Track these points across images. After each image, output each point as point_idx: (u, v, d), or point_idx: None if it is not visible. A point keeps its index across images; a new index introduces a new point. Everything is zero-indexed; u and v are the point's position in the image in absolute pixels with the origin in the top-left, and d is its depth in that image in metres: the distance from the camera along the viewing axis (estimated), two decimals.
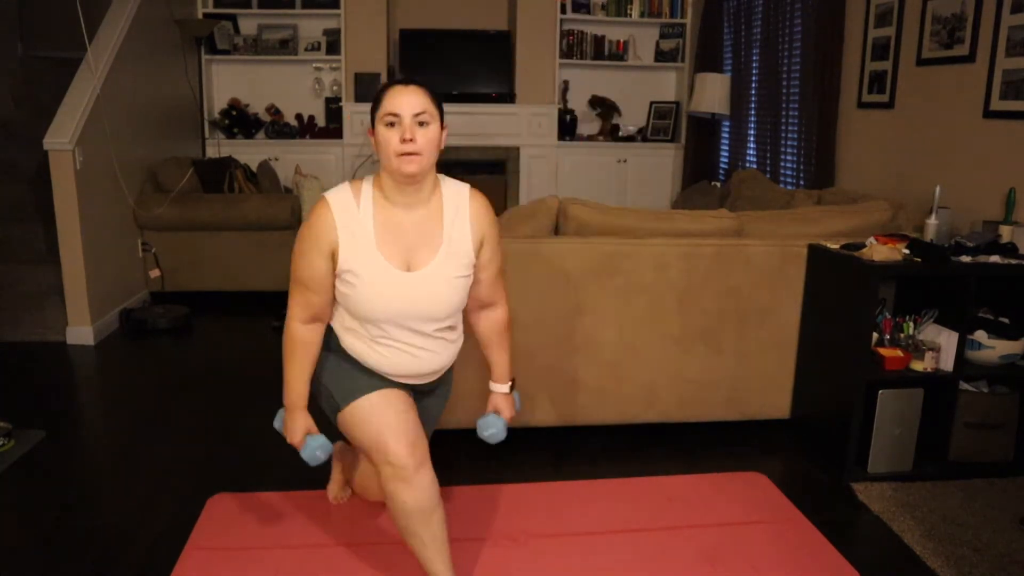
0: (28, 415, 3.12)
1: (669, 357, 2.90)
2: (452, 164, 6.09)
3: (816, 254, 2.84)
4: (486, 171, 6.09)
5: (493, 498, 2.52)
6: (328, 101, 6.16)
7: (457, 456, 2.83)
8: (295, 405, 1.94)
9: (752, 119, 5.27)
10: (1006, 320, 2.77)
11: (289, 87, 6.18)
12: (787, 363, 2.98)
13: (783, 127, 4.74)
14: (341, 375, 1.96)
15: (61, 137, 3.85)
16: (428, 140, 1.78)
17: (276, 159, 5.89)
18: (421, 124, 1.77)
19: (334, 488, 2.47)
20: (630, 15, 6.20)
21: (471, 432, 2.93)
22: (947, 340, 2.65)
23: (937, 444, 2.74)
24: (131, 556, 2.18)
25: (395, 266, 1.84)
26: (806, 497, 2.58)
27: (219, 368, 3.71)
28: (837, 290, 2.71)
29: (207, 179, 4.94)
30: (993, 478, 2.69)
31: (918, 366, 2.65)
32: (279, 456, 2.81)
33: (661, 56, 6.36)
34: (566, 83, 6.32)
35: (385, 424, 1.85)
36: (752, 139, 5.28)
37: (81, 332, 4.03)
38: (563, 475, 2.69)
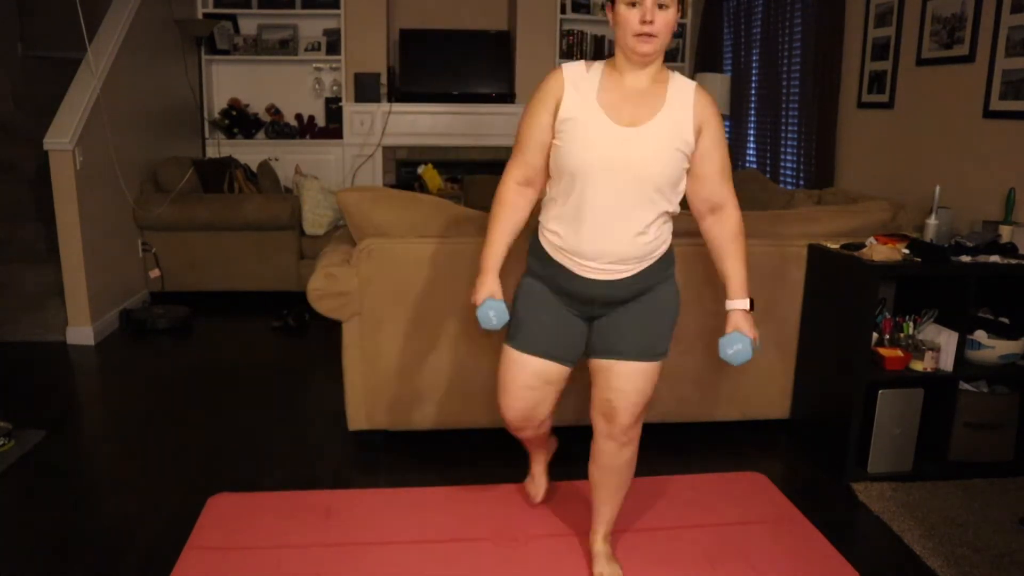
0: (28, 415, 3.12)
1: (669, 357, 2.90)
2: (452, 164, 6.09)
3: (816, 254, 2.84)
4: (486, 171, 6.08)
5: (493, 498, 2.52)
6: (328, 101, 6.16)
7: (458, 456, 2.83)
8: (488, 266, 2.00)
9: (752, 119, 5.26)
10: (1006, 320, 2.77)
11: (289, 87, 6.18)
12: (787, 363, 2.98)
13: (783, 127, 4.74)
14: (519, 311, 2.04)
15: (61, 137, 3.85)
16: (666, 23, 1.79)
17: (276, 159, 5.89)
18: (661, 7, 1.79)
19: (536, 485, 2.48)
20: None
21: (471, 432, 2.93)
22: (947, 340, 2.65)
23: (937, 444, 2.74)
24: (131, 556, 2.18)
25: (612, 119, 1.85)
26: (806, 497, 2.58)
27: (219, 368, 3.71)
28: (837, 290, 2.71)
29: (207, 179, 4.94)
30: (993, 478, 2.69)
31: (918, 366, 2.65)
32: (279, 456, 2.81)
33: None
34: None
35: (512, 386, 2.06)
36: (752, 139, 5.28)
37: (81, 332, 4.03)
38: (563, 475, 2.69)
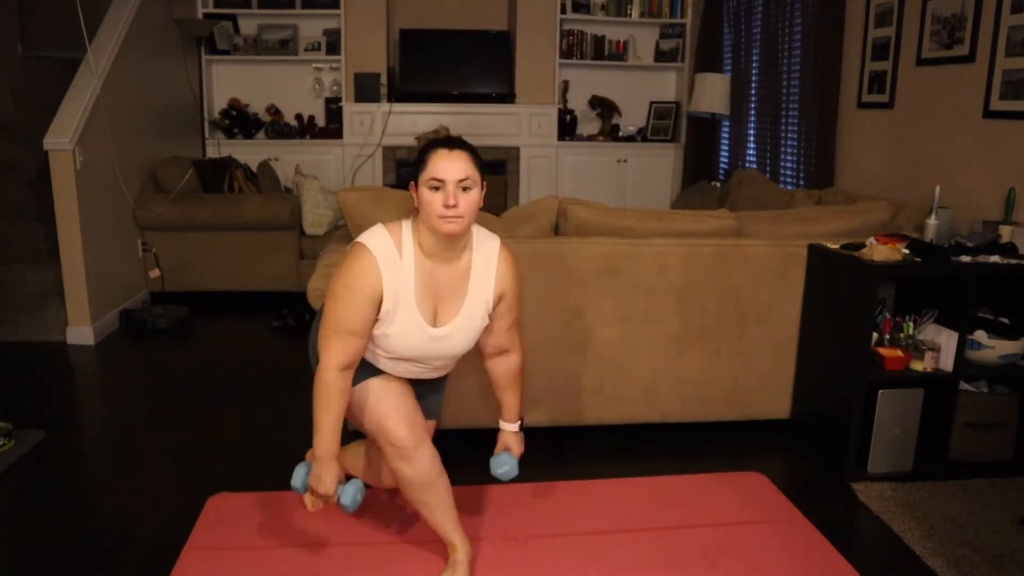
0: (28, 415, 3.12)
1: (669, 357, 2.90)
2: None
3: (816, 254, 2.84)
4: (486, 171, 6.07)
5: (493, 498, 2.52)
6: (328, 101, 6.16)
7: (457, 456, 2.83)
8: (328, 455, 1.91)
9: (752, 119, 5.27)
10: (1006, 320, 2.77)
11: (289, 87, 6.18)
12: (787, 363, 2.98)
13: (783, 127, 4.74)
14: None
15: (61, 137, 3.85)
16: (470, 203, 1.87)
17: (276, 159, 5.89)
18: (464, 189, 1.85)
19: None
20: (630, 15, 6.20)
21: (472, 432, 2.93)
22: (947, 340, 2.65)
23: (937, 444, 2.74)
24: (131, 556, 2.18)
25: (426, 320, 1.96)
26: (806, 497, 2.58)
27: (219, 368, 3.71)
28: (837, 290, 2.71)
29: (207, 179, 4.94)
30: (993, 478, 2.69)
31: (918, 366, 2.65)
32: (279, 456, 2.81)
33: (661, 56, 6.36)
34: (566, 83, 6.32)
35: (385, 408, 1.99)
36: (752, 139, 5.28)
37: (81, 332, 4.03)
38: (563, 475, 2.69)
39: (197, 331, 4.31)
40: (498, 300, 2.04)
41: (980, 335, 2.68)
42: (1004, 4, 3.04)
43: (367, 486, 2.25)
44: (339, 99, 6.07)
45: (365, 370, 2.05)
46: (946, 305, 2.70)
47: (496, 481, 2.48)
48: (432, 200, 1.84)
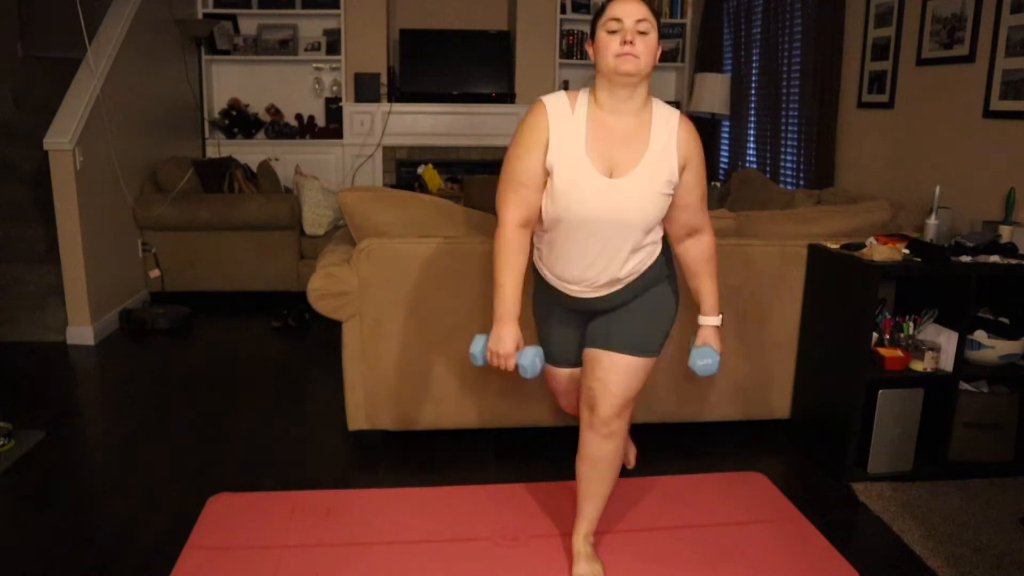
0: (28, 415, 3.12)
1: (669, 357, 2.90)
2: (452, 164, 6.09)
3: (816, 254, 2.84)
4: (486, 171, 6.08)
5: (493, 498, 2.52)
6: (328, 101, 6.16)
7: (457, 456, 2.83)
8: (509, 314, 1.92)
9: (752, 119, 5.26)
10: (1006, 320, 2.77)
11: (289, 87, 6.18)
12: (787, 363, 2.98)
13: (783, 127, 4.74)
14: (540, 329, 2.22)
15: (61, 137, 3.85)
16: (647, 47, 1.81)
17: (276, 159, 5.89)
18: (641, 32, 1.82)
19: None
20: None
21: (472, 432, 2.93)
22: (947, 340, 2.65)
23: (937, 444, 2.74)
24: (131, 556, 2.18)
25: (599, 171, 1.86)
26: (806, 497, 2.58)
27: (219, 368, 3.71)
28: (837, 290, 2.71)
29: (207, 179, 4.94)
30: (993, 478, 2.69)
31: (918, 366, 2.65)
32: (279, 456, 2.81)
33: (661, 56, 6.35)
34: (566, 83, 6.32)
35: (559, 390, 2.31)
36: (752, 139, 5.28)
37: (81, 332, 4.03)
38: (563, 475, 2.69)
39: (197, 331, 4.31)
40: (683, 168, 1.92)
41: (980, 335, 2.68)
42: (1004, 4, 3.04)
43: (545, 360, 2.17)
44: (339, 99, 6.07)
45: (549, 341, 2.19)
46: (946, 305, 2.70)
47: None
48: (609, 42, 1.81)
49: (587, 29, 6.21)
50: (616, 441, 2.03)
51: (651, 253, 2.01)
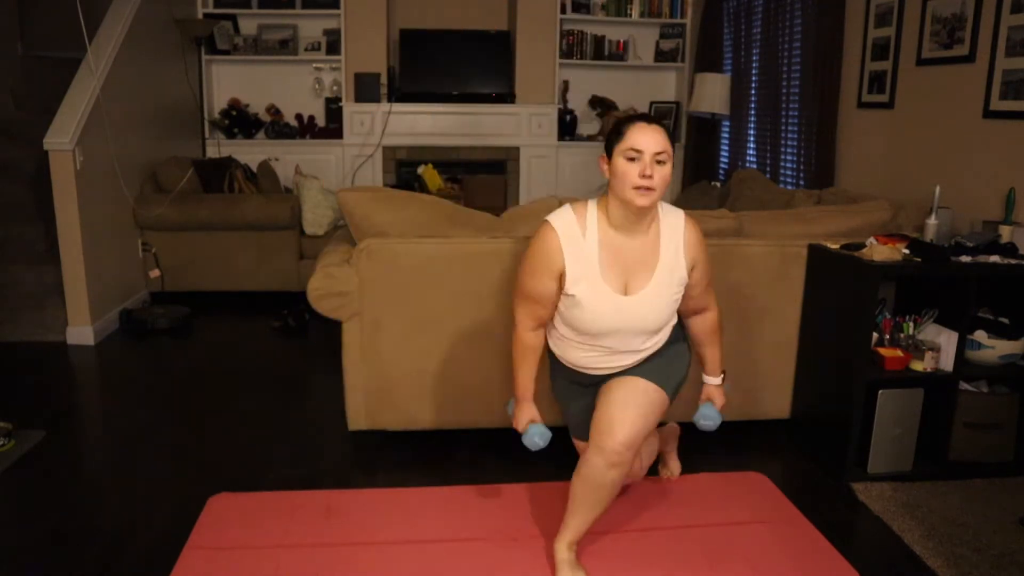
0: (28, 415, 3.12)
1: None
2: (452, 164, 6.09)
3: (816, 254, 2.84)
4: (486, 171, 6.08)
5: (493, 498, 2.52)
6: (328, 101, 6.16)
7: (457, 456, 2.83)
8: (523, 398, 2.17)
9: (752, 119, 5.26)
10: (1006, 320, 2.77)
11: (289, 87, 6.18)
12: (787, 363, 2.98)
13: (783, 127, 4.74)
14: (561, 403, 2.32)
15: (61, 137, 3.85)
16: (663, 177, 1.91)
17: (276, 159, 5.89)
18: (659, 163, 1.90)
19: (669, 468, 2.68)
20: (630, 15, 6.20)
21: (472, 432, 2.93)
22: (947, 340, 2.65)
23: (937, 444, 2.74)
24: (131, 556, 2.18)
25: (615, 290, 2.00)
26: (806, 497, 2.58)
27: (219, 368, 3.71)
28: (837, 290, 2.71)
29: (207, 179, 4.94)
30: (993, 478, 2.68)
31: (918, 366, 2.65)
32: (279, 456, 2.81)
33: (661, 56, 6.36)
34: (566, 83, 6.32)
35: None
36: (752, 139, 5.28)
37: (81, 332, 4.03)
38: (563, 475, 2.69)
39: (197, 331, 4.31)
40: (691, 269, 2.08)
41: (980, 335, 2.68)
42: (1004, 4, 3.04)
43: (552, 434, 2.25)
44: (339, 99, 6.07)
45: (570, 410, 2.27)
46: (946, 305, 2.70)
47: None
48: (628, 170, 1.89)
49: (587, 29, 6.21)
50: (621, 471, 2.02)
51: (668, 331, 2.17)
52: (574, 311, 2.02)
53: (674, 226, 2.05)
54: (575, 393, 2.28)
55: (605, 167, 1.97)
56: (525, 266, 2.05)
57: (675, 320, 2.18)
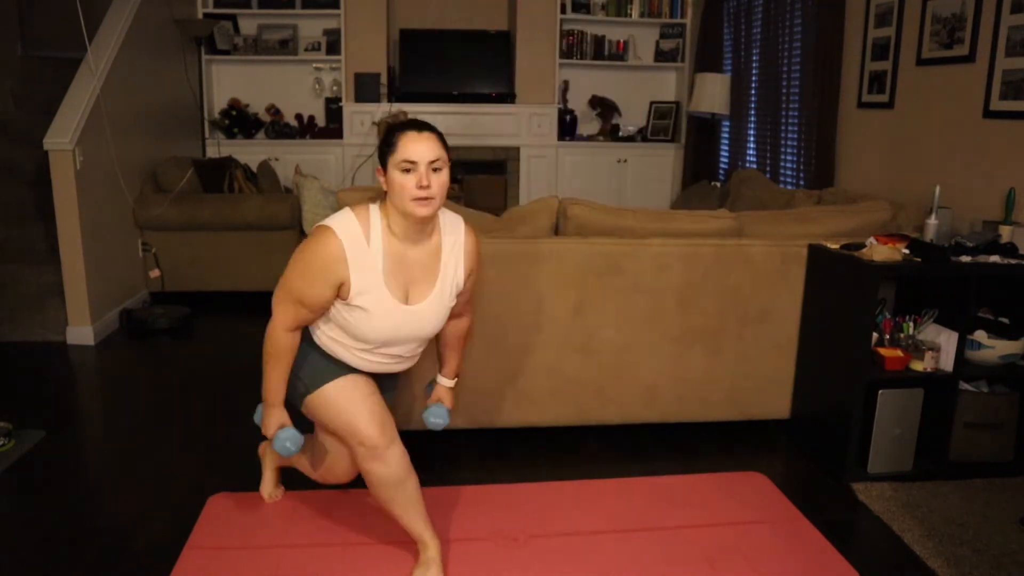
0: (28, 415, 3.12)
1: (669, 357, 2.90)
2: (452, 164, 6.07)
3: (816, 254, 2.84)
4: (486, 171, 6.08)
5: (493, 498, 2.52)
6: (328, 101, 6.16)
7: (457, 456, 2.83)
8: (273, 402, 2.06)
9: (752, 119, 5.27)
10: (1006, 320, 2.77)
11: (289, 87, 6.18)
12: (787, 363, 2.98)
13: (783, 127, 4.74)
14: (311, 363, 2.09)
15: (61, 137, 3.85)
16: (441, 184, 1.89)
17: (276, 159, 5.89)
18: (435, 170, 1.87)
19: (267, 487, 2.48)
20: (630, 15, 6.20)
21: (472, 432, 2.93)
22: (947, 340, 2.65)
23: (937, 444, 2.74)
24: (131, 556, 2.18)
25: (397, 299, 1.97)
26: (806, 497, 2.58)
27: (219, 368, 3.71)
28: (837, 290, 2.71)
29: (207, 179, 4.94)
30: (993, 478, 2.69)
31: (918, 366, 2.65)
32: None
33: (661, 56, 6.36)
34: (566, 83, 6.32)
35: (355, 408, 2.01)
36: (752, 139, 5.28)
37: (81, 332, 4.03)
38: (563, 475, 2.69)
39: (197, 331, 4.31)
40: (467, 277, 2.11)
41: (980, 335, 2.68)
42: (1004, 4, 3.04)
43: (303, 438, 2.18)
44: (339, 99, 6.07)
45: (330, 370, 2.06)
46: (946, 305, 2.70)
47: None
48: (404, 183, 1.85)
49: (587, 29, 6.21)
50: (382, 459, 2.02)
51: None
52: (353, 318, 1.96)
53: (454, 234, 2.05)
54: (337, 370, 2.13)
55: (382, 179, 1.92)
56: (299, 268, 1.93)
57: None
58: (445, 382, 2.34)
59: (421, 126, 1.90)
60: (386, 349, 2.05)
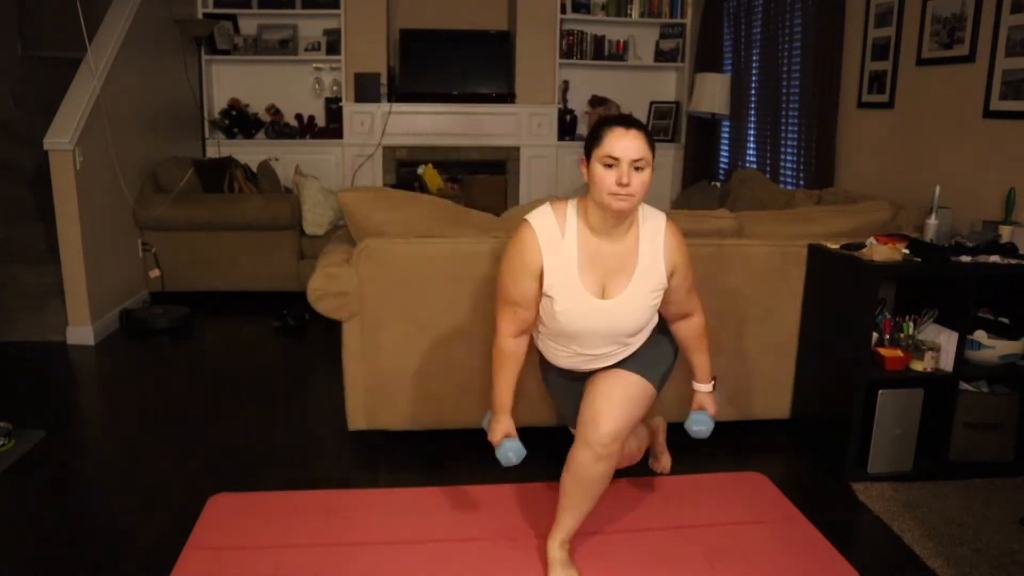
0: (28, 415, 3.12)
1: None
2: (452, 164, 6.09)
3: (816, 254, 2.84)
4: (486, 171, 6.08)
5: (493, 498, 2.52)
6: (328, 101, 6.16)
7: (457, 456, 2.83)
8: (501, 410, 2.11)
9: (752, 119, 5.26)
10: (1006, 320, 2.77)
11: (289, 87, 6.18)
12: (787, 363, 2.98)
13: (783, 127, 4.74)
14: (551, 396, 2.34)
15: (61, 137, 3.85)
16: (641, 183, 1.88)
17: (276, 159, 5.89)
18: (637, 169, 1.86)
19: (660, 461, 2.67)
20: (630, 15, 6.20)
21: (472, 432, 2.93)
22: (947, 340, 2.65)
23: (937, 444, 2.74)
24: (131, 556, 2.18)
25: (592, 293, 1.98)
26: (806, 497, 2.58)
27: (219, 368, 3.71)
28: (837, 290, 2.71)
29: (207, 179, 4.94)
30: (993, 478, 2.69)
31: (918, 366, 2.65)
32: (279, 456, 2.81)
33: (661, 56, 6.36)
34: (566, 83, 6.32)
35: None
36: (752, 139, 5.28)
37: (81, 332, 4.03)
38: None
39: (197, 331, 4.31)
40: (671, 274, 2.05)
41: (980, 335, 2.68)
42: (1004, 4, 3.04)
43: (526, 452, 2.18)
44: (339, 99, 6.07)
45: (563, 400, 2.25)
46: (946, 305, 2.70)
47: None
48: (604, 177, 1.86)
49: (587, 29, 6.21)
50: (609, 463, 2.03)
51: (646, 334, 2.16)
52: (553, 316, 2.01)
53: (654, 229, 2.02)
54: (564, 384, 2.29)
55: (584, 169, 1.94)
56: (505, 268, 2.02)
57: (655, 321, 2.16)
58: (702, 388, 2.26)
59: (629, 123, 1.88)
60: (585, 344, 2.06)
